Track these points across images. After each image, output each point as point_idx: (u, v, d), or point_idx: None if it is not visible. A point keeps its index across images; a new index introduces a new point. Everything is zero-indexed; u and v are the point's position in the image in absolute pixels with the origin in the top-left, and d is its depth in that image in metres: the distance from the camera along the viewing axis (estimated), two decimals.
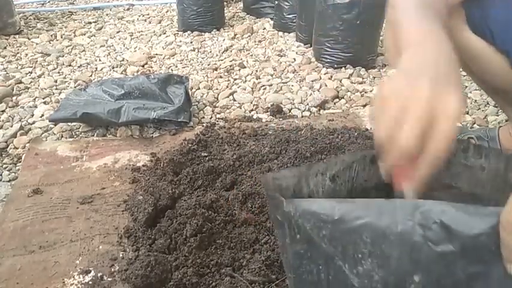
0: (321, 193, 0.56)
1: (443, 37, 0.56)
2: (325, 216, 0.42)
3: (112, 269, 0.83)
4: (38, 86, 1.68)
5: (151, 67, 1.88)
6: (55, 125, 1.38)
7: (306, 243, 0.45)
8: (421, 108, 0.44)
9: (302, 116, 1.47)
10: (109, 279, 0.81)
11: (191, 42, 2.16)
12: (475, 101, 1.57)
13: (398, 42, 0.60)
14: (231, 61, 1.92)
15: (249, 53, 2.03)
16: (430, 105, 0.44)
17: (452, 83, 0.47)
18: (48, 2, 2.91)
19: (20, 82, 1.70)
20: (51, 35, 2.25)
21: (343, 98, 1.61)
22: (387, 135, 0.46)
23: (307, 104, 1.54)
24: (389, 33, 0.74)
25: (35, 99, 1.57)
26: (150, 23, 2.51)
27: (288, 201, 0.44)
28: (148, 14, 2.66)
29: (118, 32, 2.34)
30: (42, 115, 1.45)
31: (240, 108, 1.53)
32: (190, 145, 1.20)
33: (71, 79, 1.75)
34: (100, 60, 1.96)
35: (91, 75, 1.80)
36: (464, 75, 1.78)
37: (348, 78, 1.75)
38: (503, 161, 0.57)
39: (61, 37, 2.24)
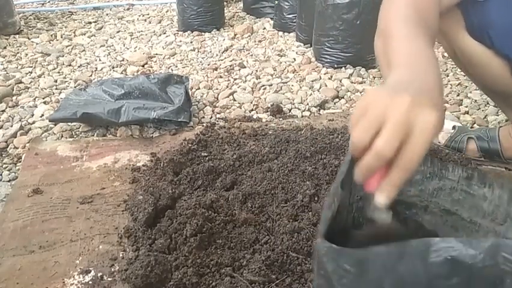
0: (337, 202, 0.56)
1: (432, 60, 0.58)
2: (348, 267, 0.41)
3: (112, 269, 0.83)
4: (38, 86, 1.68)
5: (151, 67, 1.88)
6: (55, 125, 1.38)
7: (326, 282, 0.44)
8: (399, 117, 0.46)
9: (302, 116, 1.47)
10: (109, 279, 0.81)
11: (191, 42, 2.17)
12: (475, 101, 1.57)
13: (388, 57, 0.62)
14: (231, 61, 1.92)
15: (249, 53, 2.03)
16: (408, 116, 0.46)
17: (434, 100, 0.49)
18: (48, 2, 2.91)
19: (20, 82, 1.70)
20: (51, 35, 2.25)
21: (343, 98, 1.61)
22: (364, 140, 0.47)
23: (307, 104, 1.54)
24: (380, 43, 0.76)
25: (35, 99, 1.57)
26: (150, 23, 2.51)
27: (319, 240, 0.44)
28: (148, 14, 2.66)
29: (118, 32, 2.34)
30: (42, 115, 1.45)
31: (240, 108, 1.53)
32: (190, 145, 1.20)
33: (71, 79, 1.75)
34: (100, 60, 1.96)
35: (91, 75, 1.80)
36: (464, 76, 1.78)
37: (348, 78, 1.75)
38: (506, 192, 0.57)
39: (61, 37, 2.24)
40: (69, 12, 2.67)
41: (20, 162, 1.20)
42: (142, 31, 2.35)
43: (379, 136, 0.46)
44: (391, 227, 0.52)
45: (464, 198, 0.60)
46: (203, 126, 1.36)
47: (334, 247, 0.42)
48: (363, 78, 1.75)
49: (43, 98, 1.57)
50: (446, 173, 0.61)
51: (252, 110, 1.52)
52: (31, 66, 1.86)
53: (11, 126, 1.37)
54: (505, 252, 0.36)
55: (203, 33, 2.28)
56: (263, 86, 1.68)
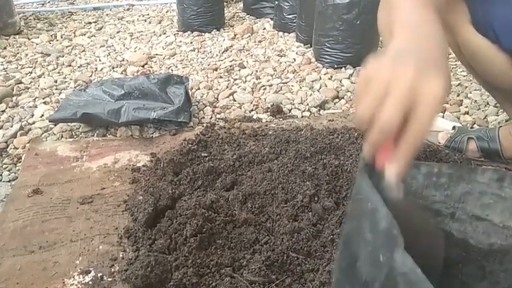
0: None
1: (437, 24, 0.56)
2: None
3: (112, 269, 0.83)
4: (38, 86, 1.68)
5: (151, 67, 1.88)
6: (55, 125, 1.38)
7: None
8: (404, 88, 0.45)
9: (302, 116, 1.47)
10: (109, 279, 0.81)
11: (191, 43, 2.17)
12: (475, 101, 1.57)
13: (391, 24, 0.60)
14: (231, 61, 1.92)
15: (249, 53, 2.03)
16: (413, 86, 0.45)
17: (440, 68, 0.48)
18: (48, 2, 2.91)
19: (20, 82, 1.70)
20: (51, 35, 2.26)
21: (343, 98, 1.61)
22: (369, 113, 0.46)
23: (307, 105, 1.54)
24: (383, 14, 0.74)
25: (35, 99, 1.57)
26: (150, 23, 2.51)
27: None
28: (148, 14, 2.66)
29: (118, 32, 2.34)
30: (42, 115, 1.45)
31: (240, 108, 1.53)
32: (190, 145, 1.20)
33: (71, 79, 1.75)
34: (100, 60, 1.96)
35: (91, 76, 1.80)
36: (465, 75, 1.78)
37: (348, 78, 1.75)
38: None
39: (61, 37, 2.24)
40: (69, 12, 2.67)
41: (20, 162, 1.20)
42: (142, 31, 2.35)
43: (383, 110, 0.44)
44: (407, 209, 0.50)
45: (495, 202, 0.57)
46: (203, 126, 1.36)
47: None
48: None
49: (43, 98, 1.57)
50: (475, 176, 0.57)
51: (252, 110, 1.52)
52: (31, 67, 1.86)
53: (11, 126, 1.37)
54: None
55: (203, 34, 2.28)
56: (263, 86, 1.68)
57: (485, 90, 1.23)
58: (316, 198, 0.95)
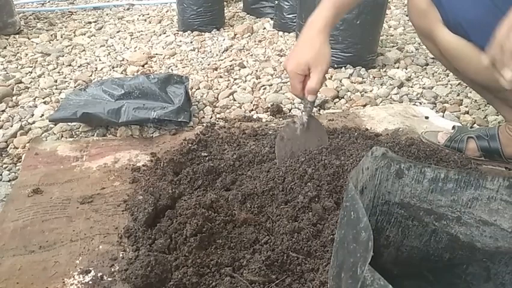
0: None
1: (318, 41, 0.96)
2: None
3: (112, 269, 0.83)
4: (38, 85, 1.68)
5: (151, 67, 1.88)
6: (55, 125, 1.38)
7: None
8: (304, 65, 0.97)
9: None
10: (109, 279, 0.81)
11: (191, 42, 2.17)
12: (475, 101, 1.57)
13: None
14: (231, 61, 1.92)
15: (249, 53, 2.03)
16: (307, 67, 0.97)
17: (318, 68, 0.96)
18: (48, 2, 2.91)
19: (20, 82, 1.70)
20: (51, 35, 2.26)
21: (343, 98, 1.61)
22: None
23: None
24: None
25: (35, 99, 1.57)
26: (150, 22, 2.51)
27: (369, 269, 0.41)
28: (148, 14, 2.66)
29: (118, 32, 2.34)
30: (42, 115, 1.45)
31: (240, 108, 1.53)
32: (190, 145, 1.20)
33: (71, 79, 1.75)
34: (100, 60, 1.96)
35: (91, 75, 1.80)
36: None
37: (348, 78, 1.75)
38: None
39: (61, 37, 2.24)
40: (69, 12, 2.67)
41: (20, 162, 1.20)
42: (142, 31, 2.35)
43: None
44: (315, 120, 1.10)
45: (504, 208, 0.57)
46: (203, 126, 1.36)
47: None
48: (363, 78, 1.75)
49: (43, 98, 1.57)
50: (484, 182, 0.58)
51: (252, 110, 1.52)
52: (31, 66, 1.86)
53: (11, 126, 1.37)
54: None
55: (203, 33, 2.28)
56: (263, 86, 1.68)
57: (474, 90, 1.23)
58: (316, 199, 0.95)
